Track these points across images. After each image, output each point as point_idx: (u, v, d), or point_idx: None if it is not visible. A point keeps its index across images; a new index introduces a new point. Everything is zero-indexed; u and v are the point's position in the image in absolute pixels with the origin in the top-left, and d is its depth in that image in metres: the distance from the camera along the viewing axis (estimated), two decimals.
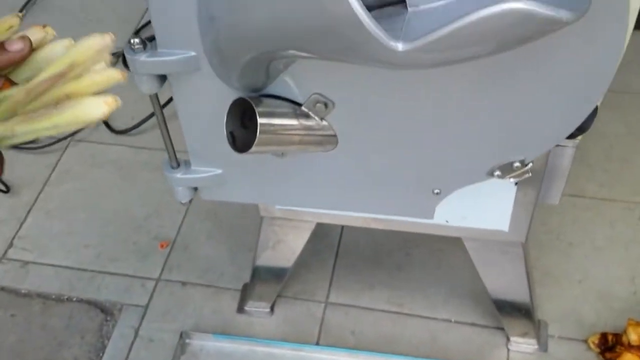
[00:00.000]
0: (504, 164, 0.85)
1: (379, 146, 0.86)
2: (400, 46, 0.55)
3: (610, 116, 1.67)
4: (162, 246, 1.54)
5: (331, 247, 1.51)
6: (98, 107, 0.58)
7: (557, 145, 0.92)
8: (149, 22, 1.90)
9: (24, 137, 0.59)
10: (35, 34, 0.63)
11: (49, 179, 1.69)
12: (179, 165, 0.94)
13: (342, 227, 1.52)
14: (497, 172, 0.86)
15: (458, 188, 0.91)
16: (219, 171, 0.94)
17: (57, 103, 0.59)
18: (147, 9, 0.77)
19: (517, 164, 0.85)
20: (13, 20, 0.63)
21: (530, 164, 0.86)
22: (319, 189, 0.96)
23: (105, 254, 1.54)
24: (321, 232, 1.50)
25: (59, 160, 1.73)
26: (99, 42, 0.61)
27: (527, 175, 0.86)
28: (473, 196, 0.96)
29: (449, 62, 0.59)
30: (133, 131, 1.76)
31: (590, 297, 1.39)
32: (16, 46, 0.60)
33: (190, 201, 0.99)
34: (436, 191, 0.91)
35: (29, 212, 1.63)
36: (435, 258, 1.47)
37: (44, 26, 0.63)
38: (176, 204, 1.02)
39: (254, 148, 0.79)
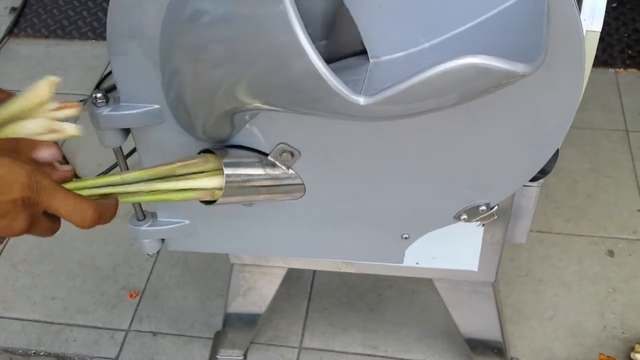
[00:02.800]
0: (470, 208, 0.86)
1: (346, 194, 0.86)
2: (361, 100, 0.55)
3: (573, 152, 1.70)
4: (131, 296, 1.51)
5: (304, 291, 1.50)
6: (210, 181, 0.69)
7: (522, 186, 0.93)
8: None
9: (146, 197, 0.66)
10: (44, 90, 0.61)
11: None
12: (145, 217, 0.93)
13: (314, 270, 1.51)
14: (464, 216, 0.87)
15: (426, 232, 0.91)
16: (186, 222, 0.94)
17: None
18: None
19: (482, 208, 0.86)
20: (43, 92, 0.60)
21: (496, 207, 0.86)
22: (287, 236, 0.95)
23: (73, 306, 1.50)
24: (293, 275, 1.50)
25: None
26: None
27: (493, 218, 0.87)
28: (442, 238, 0.97)
29: (412, 113, 0.60)
30: None
31: (561, 334, 1.39)
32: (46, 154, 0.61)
33: (159, 250, 0.98)
34: (405, 236, 0.92)
35: None
36: (408, 298, 1.47)
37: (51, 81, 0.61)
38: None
39: (220, 199, 0.79)
